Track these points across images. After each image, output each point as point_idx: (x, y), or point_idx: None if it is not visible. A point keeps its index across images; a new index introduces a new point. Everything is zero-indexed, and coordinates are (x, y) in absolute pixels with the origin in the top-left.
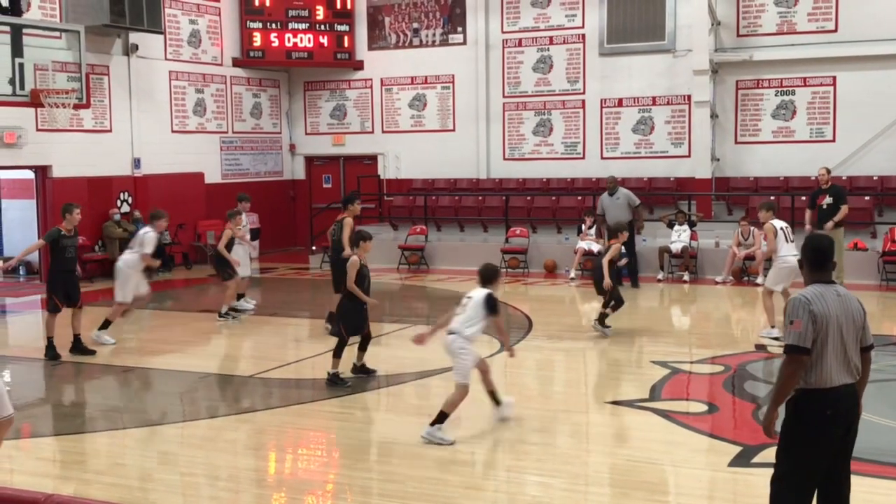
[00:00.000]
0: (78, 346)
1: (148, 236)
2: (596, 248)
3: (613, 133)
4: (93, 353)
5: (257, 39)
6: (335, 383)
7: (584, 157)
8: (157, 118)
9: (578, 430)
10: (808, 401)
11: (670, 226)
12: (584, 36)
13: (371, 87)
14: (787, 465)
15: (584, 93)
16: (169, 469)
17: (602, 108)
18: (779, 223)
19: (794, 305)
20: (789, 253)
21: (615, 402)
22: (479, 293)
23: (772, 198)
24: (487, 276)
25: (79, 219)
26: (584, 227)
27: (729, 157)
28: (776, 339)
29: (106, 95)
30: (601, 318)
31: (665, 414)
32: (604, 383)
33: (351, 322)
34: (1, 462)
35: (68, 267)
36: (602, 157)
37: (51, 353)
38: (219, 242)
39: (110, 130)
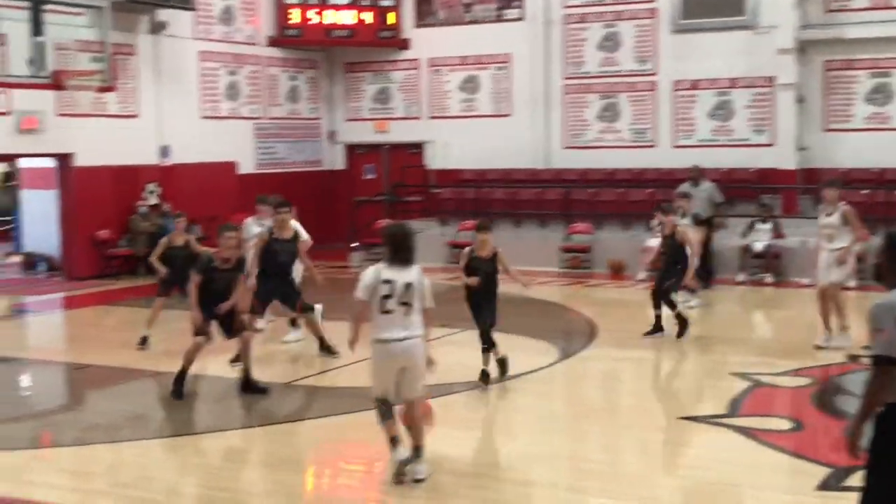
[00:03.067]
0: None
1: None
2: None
3: (688, 119)
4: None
5: (295, 16)
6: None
7: (654, 146)
8: (187, 103)
9: (648, 449)
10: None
11: (751, 226)
12: (655, 11)
13: (418, 68)
14: (876, 487)
15: (655, 74)
16: (199, 483)
17: (675, 91)
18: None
19: (879, 312)
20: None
21: (689, 418)
22: (417, 275)
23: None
24: (406, 244)
25: (231, 244)
26: (653, 222)
27: (817, 145)
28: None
29: (132, 78)
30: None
31: (745, 431)
32: (676, 397)
33: None
34: (20, 473)
35: (211, 299)
36: (674, 146)
37: (178, 387)
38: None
39: (137, 115)
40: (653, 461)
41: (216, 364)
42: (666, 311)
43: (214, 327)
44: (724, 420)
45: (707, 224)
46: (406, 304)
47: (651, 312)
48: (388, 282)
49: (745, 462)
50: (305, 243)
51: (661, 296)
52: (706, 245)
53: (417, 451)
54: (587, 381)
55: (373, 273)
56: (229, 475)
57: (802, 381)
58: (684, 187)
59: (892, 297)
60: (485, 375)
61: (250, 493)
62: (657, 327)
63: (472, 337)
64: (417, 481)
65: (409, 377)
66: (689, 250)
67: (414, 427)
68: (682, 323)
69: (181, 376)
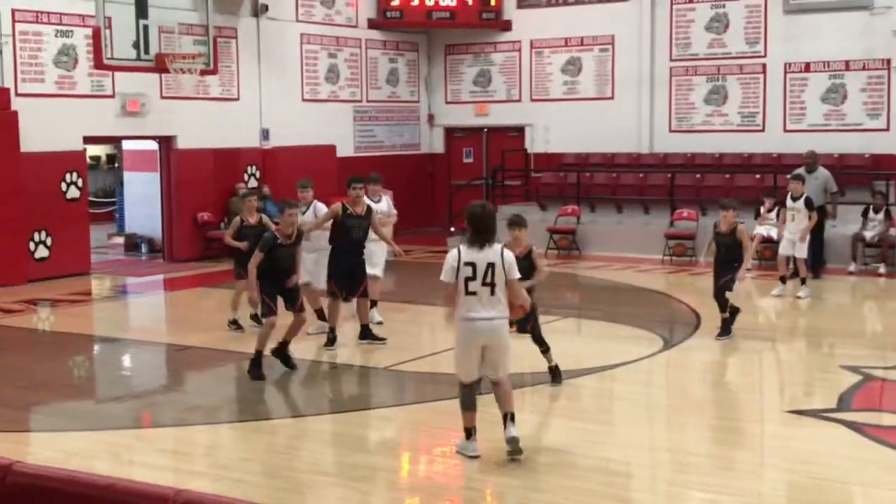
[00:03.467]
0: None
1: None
2: (777, 234)
3: (799, 102)
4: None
5: None
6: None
7: (763, 130)
8: (287, 86)
9: (752, 442)
10: None
11: (865, 214)
12: None
13: (519, 50)
14: None
15: (764, 56)
16: (296, 466)
17: (786, 73)
18: None
19: None
20: None
21: (796, 412)
22: (496, 252)
23: None
24: (486, 224)
25: (291, 220)
26: (762, 209)
27: None
28: None
29: (233, 60)
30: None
31: (855, 426)
32: (783, 390)
33: None
34: (120, 453)
35: (276, 277)
36: (785, 130)
37: (256, 370)
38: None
39: (238, 98)
40: (756, 455)
41: (312, 347)
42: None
43: (280, 303)
44: (833, 414)
45: (819, 212)
46: (489, 284)
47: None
48: (469, 264)
49: (853, 458)
50: (383, 216)
51: (719, 295)
52: (817, 234)
53: (508, 417)
54: (690, 372)
55: (454, 255)
56: (327, 459)
57: None
58: (798, 173)
59: None
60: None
61: (348, 477)
62: (725, 329)
63: (574, 324)
64: (512, 441)
65: (492, 357)
66: (745, 247)
67: (502, 399)
68: (726, 323)
69: (257, 359)
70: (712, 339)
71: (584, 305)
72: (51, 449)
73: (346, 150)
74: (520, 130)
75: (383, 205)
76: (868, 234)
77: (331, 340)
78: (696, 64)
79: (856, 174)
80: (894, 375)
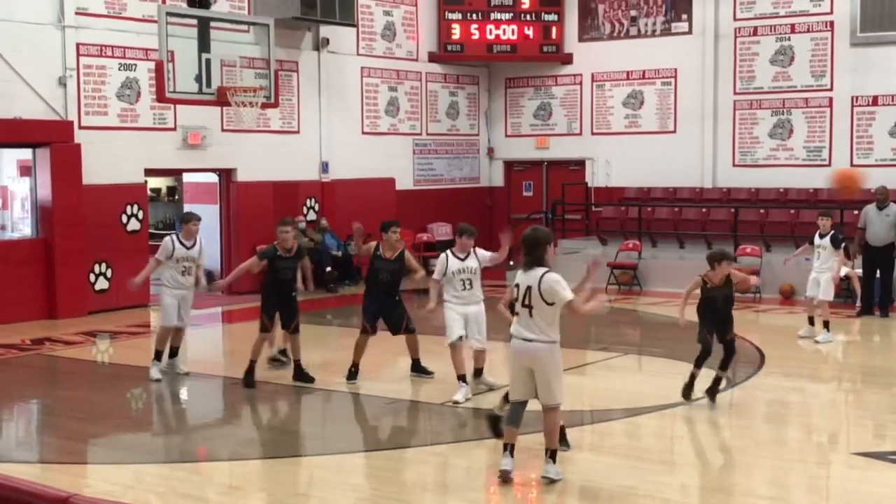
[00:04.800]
0: (299, 372)
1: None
2: (844, 270)
3: (866, 136)
4: (312, 380)
5: (456, 32)
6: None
7: (829, 164)
8: (347, 118)
9: (818, 485)
10: None
11: None
12: (832, 23)
13: (580, 83)
14: None
15: (831, 89)
16: (348, 502)
17: (853, 106)
18: None
19: None
20: None
21: (864, 454)
22: (538, 278)
23: None
24: (531, 247)
25: (286, 237)
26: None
27: None
28: None
29: (294, 94)
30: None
31: None
32: (850, 430)
33: None
34: (175, 486)
35: (278, 289)
36: (852, 164)
37: (248, 378)
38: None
39: (298, 131)
40: (824, 499)
41: (370, 383)
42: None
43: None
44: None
45: (889, 249)
46: (528, 306)
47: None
48: (516, 285)
49: None
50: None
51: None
52: (887, 271)
53: (550, 454)
54: (754, 411)
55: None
56: (382, 496)
57: None
58: (869, 209)
59: None
60: None
61: None
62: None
63: (632, 362)
64: (548, 480)
65: (538, 381)
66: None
67: (547, 432)
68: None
69: (250, 368)
70: (776, 377)
71: (645, 342)
72: (107, 482)
73: (405, 182)
74: (580, 164)
75: (471, 261)
76: None
77: (352, 374)
78: (761, 97)
79: None
80: None
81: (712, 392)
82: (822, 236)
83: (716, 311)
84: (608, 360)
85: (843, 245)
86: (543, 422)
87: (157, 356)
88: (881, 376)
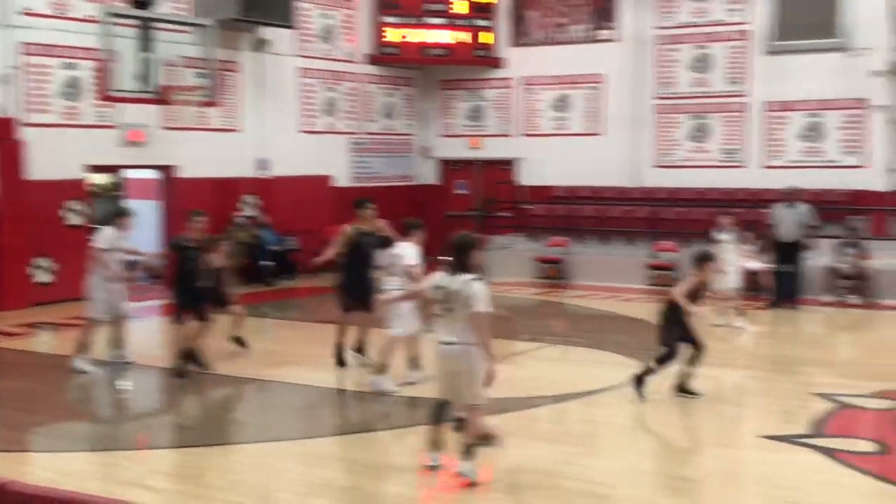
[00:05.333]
0: (194, 359)
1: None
2: (757, 265)
3: (778, 140)
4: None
5: (392, 35)
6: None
7: (744, 166)
8: (285, 118)
9: (730, 468)
10: None
11: (840, 247)
12: (748, 32)
13: (512, 86)
14: None
15: (746, 95)
16: (288, 488)
17: (767, 111)
18: None
19: None
20: None
21: (772, 437)
22: (464, 282)
23: None
24: (457, 252)
25: (198, 227)
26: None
27: None
28: None
29: (233, 93)
30: (640, 378)
31: (828, 452)
32: (759, 415)
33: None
34: (114, 474)
35: (191, 279)
36: (765, 167)
37: (181, 368)
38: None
39: (237, 130)
40: (734, 480)
41: (304, 372)
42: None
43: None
44: (808, 440)
45: (798, 245)
46: (450, 309)
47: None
48: (439, 288)
49: (828, 483)
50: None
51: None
52: (795, 266)
53: (467, 450)
54: (672, 398)
55: (433, 279)
56: (318, 482)
57: (889, 403)
58: (779, 208)
59: None
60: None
61: (339, 500)
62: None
63: (558, 352)
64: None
65: (457, 382)
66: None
67: (467, 429)
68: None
69: (185, 359)
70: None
71: (570, 333)
72: (47, 469)
73: (342, 180)
74: (511, 164)
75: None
76: (842, 267)
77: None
78: (681, 102)
79: (833, 209)
80: (867, 403)
81: (640, 380)
82: (722, 233)
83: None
84: (536, 350)
85: (747, 238)
86: (465, 423)
87: (83, 349)
88: (789, 364)
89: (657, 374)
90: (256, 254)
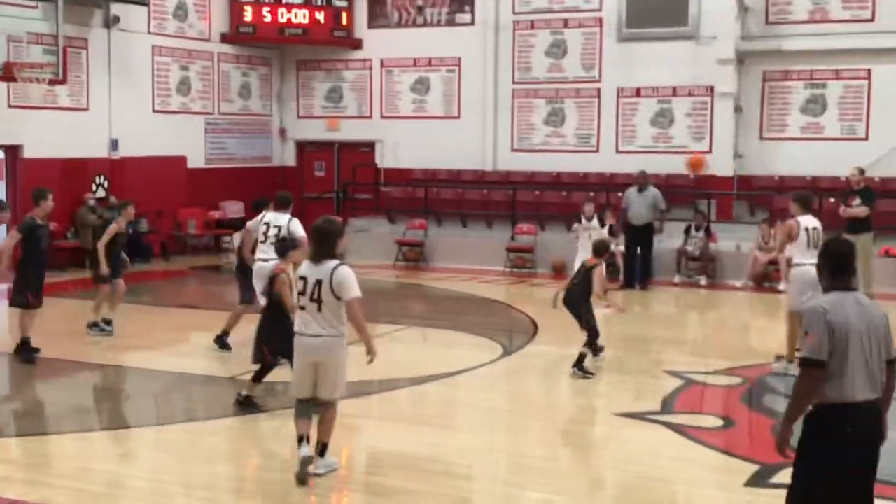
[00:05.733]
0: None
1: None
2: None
3: (630, 125)
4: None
5: (248, 14)
6: (246, 406)
7: (597, 151)
8: (138, 97)
9: (583, 444)
10: (827, 416)
11: (688, 231)
12: (601, 19)
13: (370, 68)
14: (803, 484)
15: (599, 81)
16: (141, 475)
17: (619, 97)
18: (807, 221)
19: (809, 315)
20: (808, 261)
21: (624, 415)
22: (329, 271)
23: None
24: (320, 241)
25: (51, 206)
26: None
27: (753, 154)
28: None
29: (83, 71)
30: (580, 361)
31: (678, 428)
32: (612, 394)
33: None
34: None
35: (42, 260)
36: (617, 151)
37: (26, 353)
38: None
39: (87, 109)
40: (588, 456)
41: (158, 357)
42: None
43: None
44: (658, 417)
45: (648, 228)
46: (317, 301)
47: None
48: (302, 278)
49: (677, 458)
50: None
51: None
52: (646, 248)
53: (322, 448)
54: (528, 378)
55: (299, 270)
56: (171, 468)
57: (734, 380)
58: (630, 192)
59: (824, 301)
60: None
61: (191, 486)
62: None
63: (417, 334)
64: (317, 475)
65: (322, 375)
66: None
67: (323, 424)
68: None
69: (24, 345)
70: (549, 345)
71: (429, 315)
72: None
73: (197, 161)
74: (370, 146)
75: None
76: (690, 249)
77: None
78: (537, 87)
79: (681, 193)
80: (714, 380)
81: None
82: (588, 219)
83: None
84: (395, 332)
85: (608, 224)
86: (320, 417)
87: None
88: (640, 343)
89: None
90: None
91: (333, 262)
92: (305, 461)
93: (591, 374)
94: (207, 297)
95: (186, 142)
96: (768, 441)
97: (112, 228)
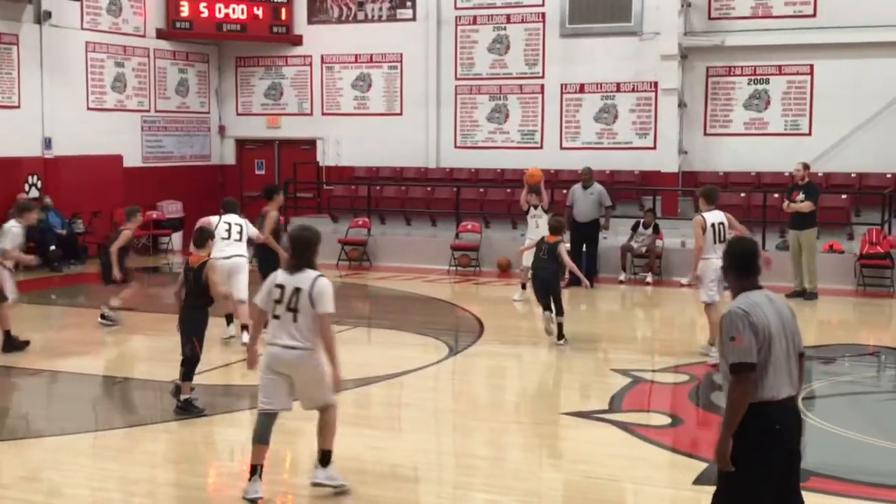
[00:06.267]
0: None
1: (13, 231)
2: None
3: (574, 121)
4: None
5: (185, 9)
6: (188, 410)
7: (541, 147)
8: (72, 94)
9: (531, 444)
10: (753, 416)
11: (634, 228)
12: (543, 15)
13: (310, 64)
14: (732, 486)
15: (542, 77)
16: (81, 483)
17: (562, 93)
18: (714, 217)
19: (731, 319)
20: (713, 255)
21: (572, 414)
22: (309, 281)
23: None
24: (299, 248)
25: None
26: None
27: (697, 149)
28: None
29: (14, 67)
30: (560, 330)
31: (625, 427)
32: (559, 393)
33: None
34: None
35: None
36: (561, 148)
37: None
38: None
39: (18, 106)
40: (536, 456)
41: (99, 362)
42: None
43: None
44: (606, 416)
45: (594, 225)
46: (293, 310)
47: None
48: (279, 286)
49: (625, 456)
50: None
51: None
52: (592, 245)
53: (322, 456)
54: (474, 378)
55: (271, 277)
56: (112, 475)
57: (681, 377)
58: (575, 189)
59: (742, 303)
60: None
61: (132, 493)
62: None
63: (364, 334)
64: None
65: (300, 391)
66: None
67: (321, 430)
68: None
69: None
70: (494, 345)
71: (374, 315)
72: None
73: (133, 160)
74: (311, 144)
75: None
76: (636, 246)
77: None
78: (480, 83)
79: (626, 189)
80: (661, 378)
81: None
82: (535, 207)
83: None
84: (339, 334)
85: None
86: (318, 422)
87: None
88: (587, 342)
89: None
90: (42, 238)
91: (314, 272)
92: (253, 502)
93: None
94: (146, 299)
95: (122, 140)
96: (716, 439)
97: (126, 234)
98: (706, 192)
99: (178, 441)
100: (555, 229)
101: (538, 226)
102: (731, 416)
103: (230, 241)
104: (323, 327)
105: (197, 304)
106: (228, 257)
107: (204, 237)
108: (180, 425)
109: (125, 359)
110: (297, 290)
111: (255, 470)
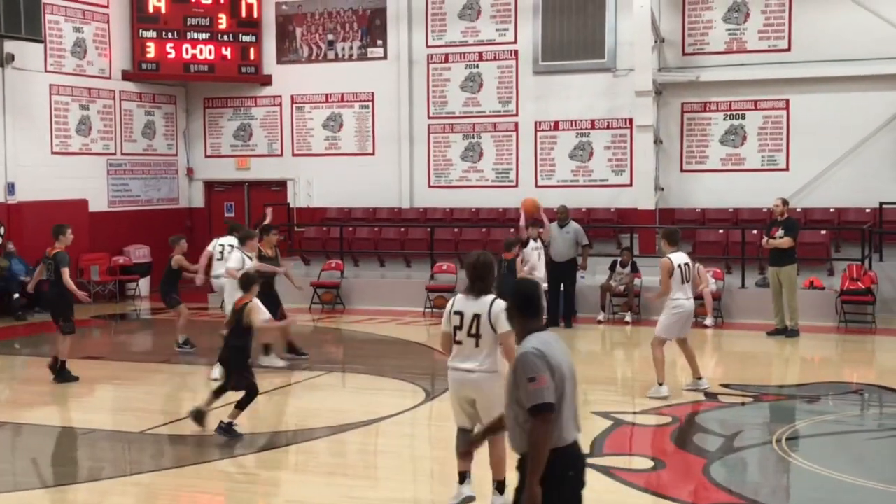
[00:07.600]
0: None
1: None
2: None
3: (549, 159)
4: None
5: (151, 50)
6: (229, 433)
7: (516, 185)
8: (36, 137)
9: (511, 489)
10: (552, 462)
11: (612, 267)
12: (516, 52)
13: (280, 104)
14: None
15: (516, 114)
16: None
17: (536, 131)
18: (678, 258)
19: (531, 361)
20: (684, 296)
21: None
22: (486, 306)
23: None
24: (477, 274)
25: None
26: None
27: (674, 186)
28: (664, 398)
29: None
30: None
31: (606, 470)
32: None
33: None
34: None
35: None
36: (536, 186)
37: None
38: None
39: None
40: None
41: (65, 413)
42: None
43: None
44: (587, 460)
45: (571, 264)
46: (474, 336)
47: None
48: (458, 313)
49: (606, 501)
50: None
51: None
52: (570, 285)
53: (497, 485)
54: (452, 423)
55: (450, 304)
56: None
57: (663, 419)
58: (551, 228)
59: (535, 344)
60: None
61: None
62: None
63: (336, 380)
64: None
65: (482, 411)
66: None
67: (493, 459)
68: None
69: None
70: None
71: (348, 360)
72: None
73: (99, 204)
74: (282, 185)
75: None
76: (615, 285)
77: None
78: (453, 121)
79: (603, 227)
80: (642, 420)
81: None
82: (534, 239)
83: None
84: (312, 379)
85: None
86: (490, 452)
87: None
88: None
89: None
90: (4, 286)
91: (490, 296)
92: (468, 500)
93: None
94: (113, 347)
95: (88, 184)
96: (700, 481)
97: (177, 259)
98: (668, 234)
99: (148, 494)
100: (508, 247)
101: (540, 257)
102: (537, 461)
103: (223, 261)
104: (506, 347)
105: (237, 344)
106: (217, 276)
107: (249, 282)
108: (150, 477)
109: (93, 409)
110: (477, 316)
111: (463, 476)
